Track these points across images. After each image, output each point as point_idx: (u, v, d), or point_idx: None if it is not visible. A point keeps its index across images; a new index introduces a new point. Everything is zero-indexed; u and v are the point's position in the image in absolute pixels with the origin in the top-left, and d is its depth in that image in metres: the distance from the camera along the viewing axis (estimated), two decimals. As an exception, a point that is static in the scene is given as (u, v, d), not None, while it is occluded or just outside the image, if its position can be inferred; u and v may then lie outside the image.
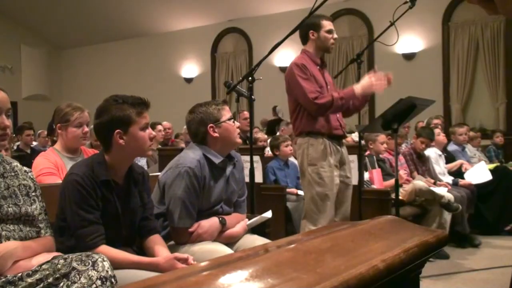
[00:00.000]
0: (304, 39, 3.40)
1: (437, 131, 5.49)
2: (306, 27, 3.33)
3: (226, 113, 2.46)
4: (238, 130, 2.49)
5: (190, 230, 2.30)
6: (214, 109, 2.45)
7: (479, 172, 5.36)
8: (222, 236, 2.39)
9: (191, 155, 2.37)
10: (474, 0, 0.85)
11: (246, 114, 5.81)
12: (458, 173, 5.57)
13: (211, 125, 2.42)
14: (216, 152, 2.42)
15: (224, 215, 2.43)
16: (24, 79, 13.32)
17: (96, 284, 1.50)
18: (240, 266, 1.12)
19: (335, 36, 3.35)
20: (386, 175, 4.67)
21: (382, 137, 4.81)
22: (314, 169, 3.23)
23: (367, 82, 3.17)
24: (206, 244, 2.28)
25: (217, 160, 2.41)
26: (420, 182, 4.64)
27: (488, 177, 5.30)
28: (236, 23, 10.98)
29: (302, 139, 3.31)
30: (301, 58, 3.34)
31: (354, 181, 4.08)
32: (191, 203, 2.29)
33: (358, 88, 3.17)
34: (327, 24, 3.31)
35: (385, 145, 4.86)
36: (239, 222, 2.48)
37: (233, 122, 2.47)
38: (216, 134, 2.42)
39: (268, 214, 2.62)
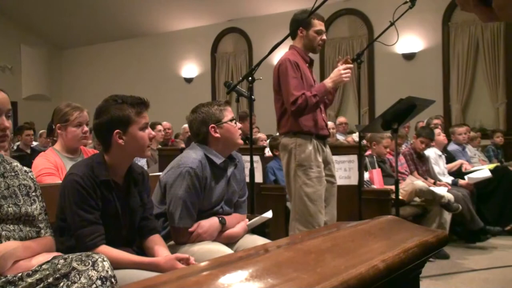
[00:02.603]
0: (293, 35, 3.36)
1: (437, 131, 5.49)
2: (296, 23, 3.29)
3: (228, 114, 2.47)
4: (239, 132, 2.49)
5: (190, 230, 2.30)
6: (216, 110, 2.45)
7: (479, 173, 5.35)
8: (222, 236, 2.39)
9: (192, 155, 2.37)
10: (469, 8, 0.82)
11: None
12: (458, 173, 5.57)
13: (213, 125, 2.42)
14: (217, 152, 2.43)
15: (225, 215, 2.44)
16: (24, 79, 13.31)
17: (96, 284, 1.50)
18: (240, 266, 1.11)
19: (324, 37, 3.32)
20: (386, 176, 4.66)
21: (387, 140, 4.79)
22: (303, 170, 3.19)
23: (336, 75, 3.18)
24: (206, 244, 2.28)
25: (218, 160, 2.41)
26: (420, 182, 4.64)
27: (487, 174, 5.29)
28: (236, 23, 10.98)
29: (289, 139, 3.25)
30: (292, 54, 3.29)
31: (354, 181, 4.10)
32: (192, 203, 2.29)
33: (329, 82, 3.17)
34: (317, 24, 3.27)
35: (388, 149, 4.86)
36: (239, 223, 2.48)
37: (235, 123, 2.48)
38: (218, 135, 2.42)
39: (269, 214, 2.62)
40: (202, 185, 2.33)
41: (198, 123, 2.45)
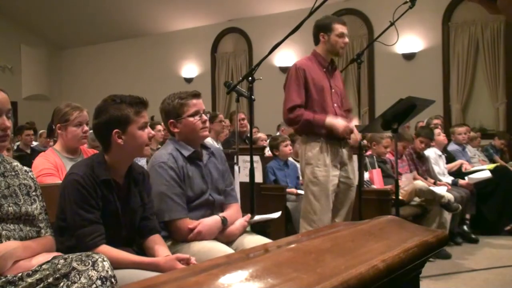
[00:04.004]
0: (315, 40, 3.42)
1: (437, 131, 5.49)
2: (317, 29, 3.36)
3: (190, 109, 2.42)
4: (201, 125, 2.43)
5: (191, 227, 2.29)
6: (177, 104, 2.42)
7: (479, 174, 5.36)
8: (222, 235, 2.39)
9: (161, 151, 2.42)
10: None
11: (241, 115, 5.79)
12: (458, 173, 5.57)
13: (171, 120, 2.43)
14: (185, 144, 2.43)
15: (217, 204, 2.46)
16: (24, 79, 13.31)
17: (96, 284, 1.50)
18: (240, 266, 1.12)
19: (346, 40, 3.35)
20: (386, 176, 4.66)
21: (387, 140, 4.80)
22: (310, 168, 3.26)
23: (339, 123, 3.19)
24: (206, 244, 2.28)
25: (186, 152, 2.41)
26: (420, 182, 4.65)
27: (487, 175, 5.29)
28: (236, 23, 10.98)
29: (301, 139, 3.37)
30: (306, 60, 3.37)
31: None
32: (175, 194, 2.30)
33: (328, 121, 3.19)
34: (338, 27, 3.31)
35: (388, 149, 4.86)
36: (237, 218, 2.48)
37: (200, 116, 2.43)
38: (176, 130, 2.43)
39: (276, 214, 2.63)
40: (180, 175, 2.34)
41: (163, 116, 2.49)
